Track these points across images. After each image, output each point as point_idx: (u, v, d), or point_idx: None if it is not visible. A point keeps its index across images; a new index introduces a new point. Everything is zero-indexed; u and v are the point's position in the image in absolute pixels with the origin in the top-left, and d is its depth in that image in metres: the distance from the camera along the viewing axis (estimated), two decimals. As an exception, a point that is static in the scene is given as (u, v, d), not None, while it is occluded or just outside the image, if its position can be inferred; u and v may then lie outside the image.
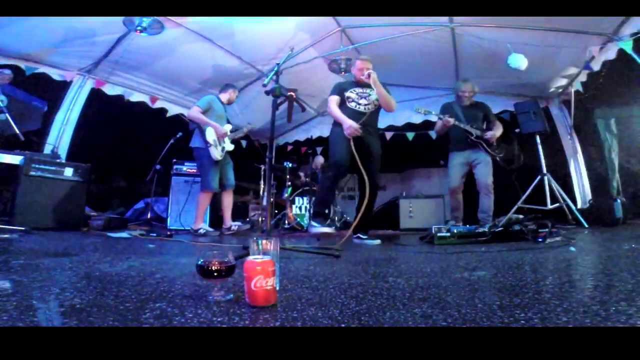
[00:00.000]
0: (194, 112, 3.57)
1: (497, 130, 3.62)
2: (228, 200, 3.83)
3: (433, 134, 5.40)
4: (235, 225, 3.78)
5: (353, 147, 2.74)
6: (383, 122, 5.91)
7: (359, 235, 2.81)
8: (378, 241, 2.74)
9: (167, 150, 4.57)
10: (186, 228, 4.02)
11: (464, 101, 3.69)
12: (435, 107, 4.02)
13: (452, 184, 3.62)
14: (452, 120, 3.48)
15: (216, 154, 3.58)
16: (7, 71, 3.42)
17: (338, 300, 0.90)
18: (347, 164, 2.80)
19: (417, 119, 5.63)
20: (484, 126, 3.69)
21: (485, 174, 3.50)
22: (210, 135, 3.55)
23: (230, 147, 3.83)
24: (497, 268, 1.39)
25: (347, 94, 2.95)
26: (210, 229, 3.66)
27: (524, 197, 3.69)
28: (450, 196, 3.68)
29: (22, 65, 3.79)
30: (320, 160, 5.40)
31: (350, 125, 2.75)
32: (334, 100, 2.92)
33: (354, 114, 2.86)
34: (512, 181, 4.12)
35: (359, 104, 2.93)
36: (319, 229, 2.75)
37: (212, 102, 3.70)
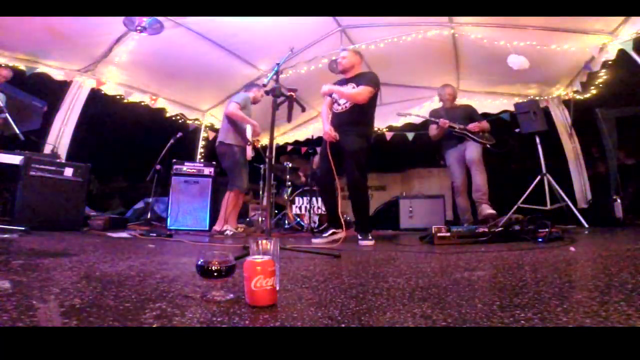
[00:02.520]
0: (235, 109, 3.46)
1: (482, 125, 3.68)
2: (239, 203, 3.78)
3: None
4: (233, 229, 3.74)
5: (329, 153, 2.75)
6: (383, 122, 5.94)
7: (357, 235, 2.79)
8: (371, 242, 2.68)
9: (167, 150, 4.57)
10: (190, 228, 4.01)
11: (447, 104, 3.85)
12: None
13: (456, 181, 3.65)
14: (447, 122, 3.57)
15: (250, 153, 3.57)
16: (7, 70, 3.43)
17: (338, 300, 0.90)
18: (326, 177, 2.88)
19: (418, 119, 5.62)
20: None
21: (472, 152, 3.56)
22: (250, 133, 3.48)
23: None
24: (497, 268, 1.39)
25: (334, 96, 2.93)
26: (236, 230, 3.58)
27: (524, 197, 3.69)
28: (458, 196, 3.67)
29: (22, 65, 3.79)
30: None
31: (325, 132, 2.82)
32: (326, 102, 2.98)
33: (335, 115, 2.89)
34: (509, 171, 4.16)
35: (339, 104, 2.90)
36: (323, 239, 2.77)
37: (248, 100, 3.63)
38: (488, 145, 3.62)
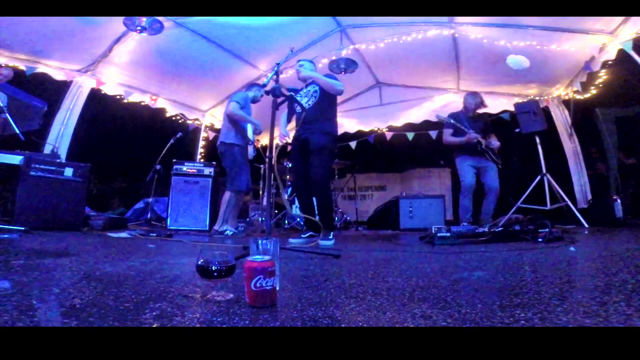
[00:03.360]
0: (236, 109, 3.46)
1: (497, 142, 3.79)
2: (238, 202, 3.79)
3: (433, 134, 5.41)
4: (239, 227, 3.75)
5: (299, 157, 2.85)
6: (383, 122, 5.94)
7: (311, 233, 2.80)
8: (331, 241, 2.62)
9: (167, 150, 4.57)
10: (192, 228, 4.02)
11: (470, 113, 3.78)
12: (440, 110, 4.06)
13: (467, 181, 3.65)
14: (477, 137, 3.59)
15: (251, 152, 3.59)
16: (7, 69, 3.43)
17: (338, 300, 0.90)
18: (302, 181, 2.94)
19: (418, 119, 5.64)
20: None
21: (494, 180, 3.63)
22: (251, 133, 3.50)
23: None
24: (497, 268, 1.39)
25: (297, 97, 2.94)
26: (236, 230, 3.58)
27: (524, 197, 3.69)
28: (464, 196, 3.67)
29: (22, 65, 3.79)
30: None
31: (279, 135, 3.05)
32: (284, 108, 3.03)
33: (300, 116, 2.89)
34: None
35: (302, 102, 2.90)
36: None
37: (247, 100, 3.63)
38: (499, 166, 3.70)
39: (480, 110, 3.89)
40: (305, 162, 2.86)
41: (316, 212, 2.97)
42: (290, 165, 5.02)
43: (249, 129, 3.51)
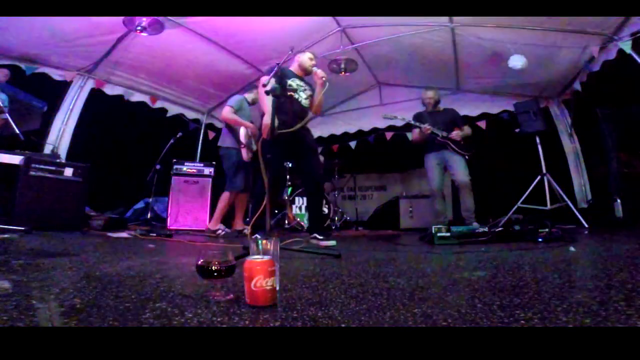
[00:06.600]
0: (228, 113, 3.56)
1: (464, 131, 3.74)
2: (243, 204, 3.80)
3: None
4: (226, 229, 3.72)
5: (282, 154, 2.66)
6: (384, 122, 5.93)
7: (315, 235, 2.64)
8: (333, 242, 2.55)
9: (167, 150, 4.57)
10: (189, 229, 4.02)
11: (429, 107, 3.87)
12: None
13: (433, 184, 3.74)
14: (430, 128, 3.60)
15: (247, 155, 3.60)
16: (6, 70, 3.43)
17: (338, 300, 0.90)
18: (277, 180, 2.79)
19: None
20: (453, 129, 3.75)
21: (459, 172, 3.60)
22: (245, 135, 3.55)
23: (254, 147, 3.79)
24: (497, 268, 1.39)
25: (290, 82, 2.69)
26: (228, 230, 3.60)
27: (524, 197, 3.69)
28: (434, 199, 3.77)
29: (22, 65, 3.79)
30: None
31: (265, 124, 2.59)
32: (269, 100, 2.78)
33: (299, 107, 2.68)
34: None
35: (301, 97, 2.73)
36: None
37: (243, 103, 3.70)
38: (466, 157, 3.66)
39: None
40: (285, 159, 2.79)
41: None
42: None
43: (242, 132, 3.53)
